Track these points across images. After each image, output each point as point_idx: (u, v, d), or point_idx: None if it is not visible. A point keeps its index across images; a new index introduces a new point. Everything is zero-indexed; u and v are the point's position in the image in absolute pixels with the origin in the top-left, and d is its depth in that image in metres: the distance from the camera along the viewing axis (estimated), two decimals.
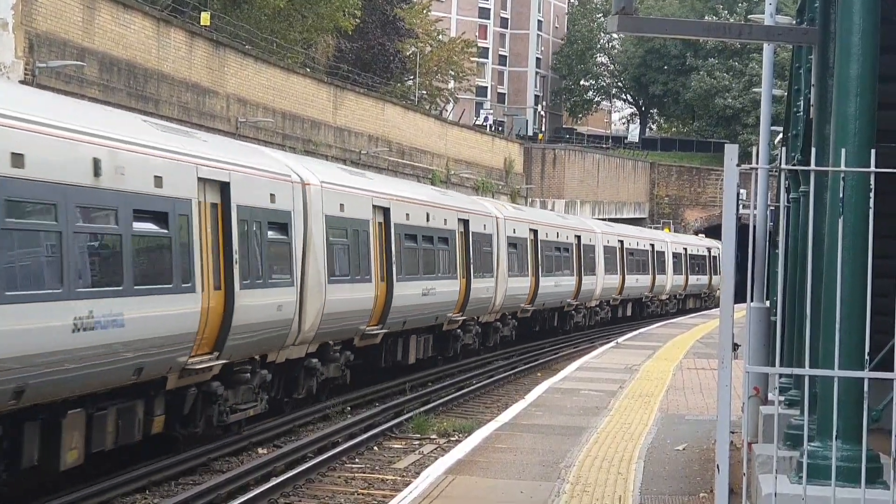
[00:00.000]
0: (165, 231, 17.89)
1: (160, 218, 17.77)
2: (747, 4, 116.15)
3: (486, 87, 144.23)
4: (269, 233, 21.88)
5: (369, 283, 27.55)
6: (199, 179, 19.12)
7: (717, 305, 58.50)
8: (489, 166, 77.41)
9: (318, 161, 33.23)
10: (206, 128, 37.86)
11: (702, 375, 30.35)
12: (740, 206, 9.23)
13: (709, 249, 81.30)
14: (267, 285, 21.59)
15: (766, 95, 19.20)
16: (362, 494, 17.95)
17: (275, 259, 22.14)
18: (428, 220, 32.31)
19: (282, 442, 22.29)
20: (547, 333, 49.36)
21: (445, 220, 34.06)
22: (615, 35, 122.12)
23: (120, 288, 16.41)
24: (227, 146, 22.82)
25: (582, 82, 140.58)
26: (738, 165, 8.46)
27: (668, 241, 73.15)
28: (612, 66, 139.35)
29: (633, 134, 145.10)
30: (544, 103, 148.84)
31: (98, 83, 36.64)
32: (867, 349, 8.61)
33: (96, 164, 15.95)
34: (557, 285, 48.03)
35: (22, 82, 31.38)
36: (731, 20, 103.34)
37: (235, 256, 20.08)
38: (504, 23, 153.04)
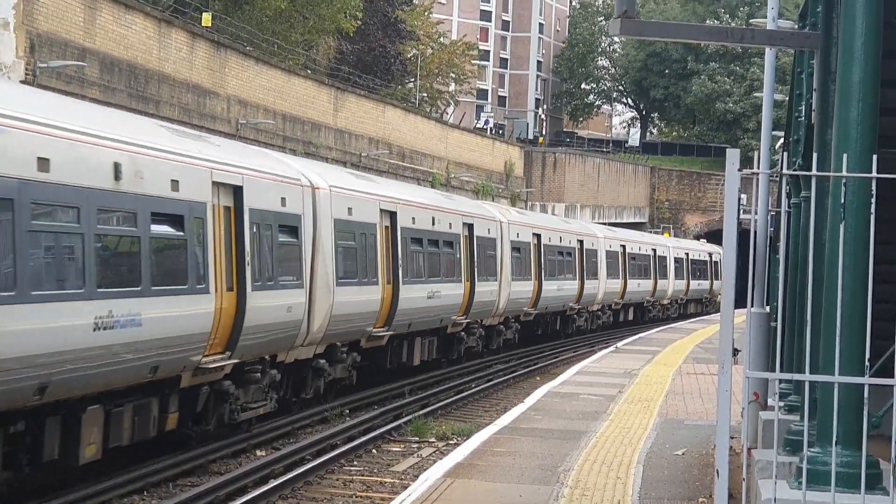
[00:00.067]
0: (181, 233, 18.30)
1: (176, 221, 18.20)
2: (749, 9, 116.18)
3: (487, 90, 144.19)
4: (280, 235, 22.28)
5: (376, 286, 27.91)
6: (214, 183, 19.53)
7: (717, 310, 58.55)
8: (489, 169, 77.43)
9: (326, 165, 33.64)
10: (207, 129, 37.87)
11: (701, 380, 30.33)
12: (741, 211, 9.20)
13: (710, 255, 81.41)
14: (277, 287, 21.98)
15: (768, 100, 19.19)
16: (360, 497, 17.94)
17: (285, 261, 22.51)
18: (433, 223, 32.64)
19: (280, 444, 22.27)
20: (549, 337, 49.48)
21: (450, 224, 34.39)
22: (616, 38, 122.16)
23: (138, 288, 16.85)
24: (240, 150, 23.25)
25: (583, 86, 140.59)
26: (739, 170, 8.43)
27: (670, 246, 73.29)
28: (613, 70, 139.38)
29: (634, 138, 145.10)
30: (545, 107, 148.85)
31: (99, 84, 36.63)
32: (867, 355, 8.59)
33: (117, 168, 16.38)
34: (560, 289, 48.32)
35: (23, 82, 31.37)
36: (733, 24, 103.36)
37: (247, 258, 20.48)
38: (505, 26, 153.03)
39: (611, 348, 42.65)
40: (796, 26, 18.78)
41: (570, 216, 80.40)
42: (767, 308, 18.03)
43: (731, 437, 12.32)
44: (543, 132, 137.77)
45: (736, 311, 8.76)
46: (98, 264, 15.79)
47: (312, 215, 24.17)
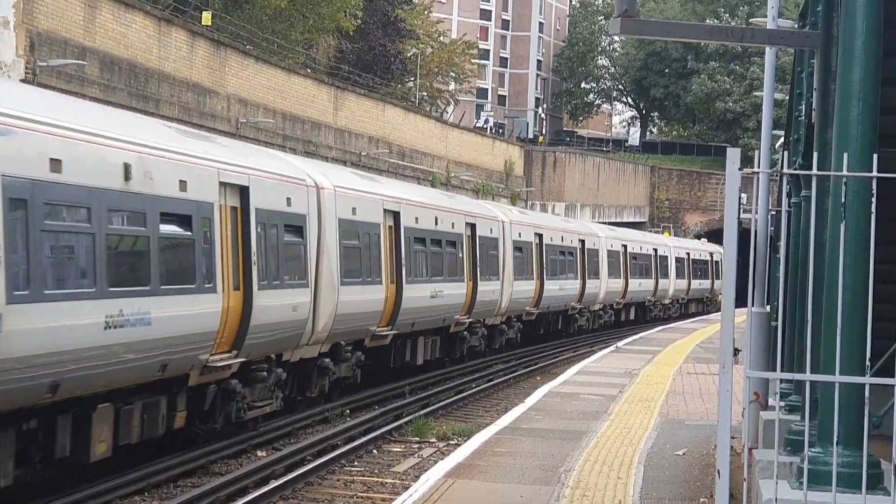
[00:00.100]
0: (189, 233, 18.51)
1: (184, 220, 18.42)
2: (749, 8, 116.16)
3: (487, 89, 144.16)
4: (285, 235, 22.51)
5: (380, 285, 28.15)
6: (221, 183, 19.76)
7: (718, 310, 58.53)
8: (489, 169, 77.41)
9: (331, 165, 33.93)
10: (207, 128, 37.84)
11: (702, 380, 30.32)
12: (741, 211, 9.19)
13: (711, 254, 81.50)
14: (283, 286, 22.20)
15: (768, 99, 19.18)
16: (361, 498, 17.93)
17: (290, 261, 22.75)
18: (436, 223, 32.87)
19: (281, 444, 22.26)
20: (551, 336, 49.57)
21: (453, 223, 34.60)
22: (616, 38, 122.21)
23: (147, 287, 17.08)
24: (246, 151, 23.55)
25: (583, 85, 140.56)
26: (739, 170, 8.42)
27: (671, 245, 73.37)
28: (612, 69, 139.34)
29: (634, 137, 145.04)
30: (545, 106, 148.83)
31: (99, 82, 36.62)
32: (868, 355, 8.57)
33: (126, 168, 16.61)
34: (562, 289, 48.50)
35: (22, 81, 31.35)
36: (733, 24, 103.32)
37: (254, 258, 20.71)
38: (505, 25, 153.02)
39: (611, 348, 42.64)
40: (796, 26, 18.77)
41: (570, 215, 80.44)
42: (768, 308, 18.01)
43: (732, 437, 12.31)
44: (543, 131, 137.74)
45: (736, 310, 8.74)
46: (109, 264, 16.03)
47: (317, 215, 24.39)
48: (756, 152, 21.25)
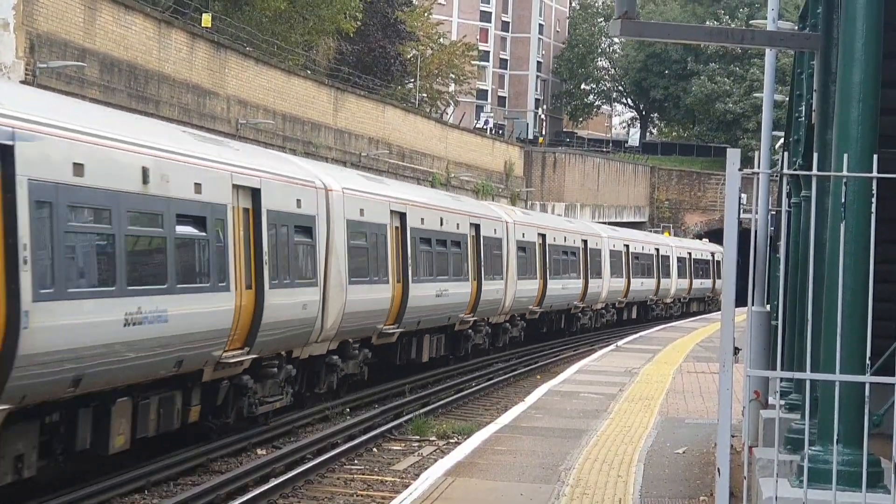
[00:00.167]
0: (204, 234, 19.14)
1: (199, 222, 19.05)
2: (748, 10, 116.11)
3: (487, 91, 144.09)
4: (295, 236, 23.13)
5: (387, 285, 28.74)
6: (234, 186, 20.41)
7: (719, 309, 58.60)
8: (489, 169, 77.43)
9: (339, 167, 34.78)
10: (207, 129, 37.86)
11: (702, 379, 30.36)
12: (741, 211, 9.24)
13: (712, 254, 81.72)
14: (293, 285, 22.83)
15: (768, 100, 19.22)
16: (361, 496, 17.96)
17: (300, 260, 23.39)
18: (442, 224, 33.45)
19: (281, 443, 22.31)
20: (554, 335, 49.89)
21: (458, 224, 35.15)
22: (616, 39, 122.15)
23: (164, 286, 17.75)
24: (257, 154, 24.23)
25: (583, 86, 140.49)
26: (739, 170, 8.47)
27: (673, 245, 73.61)
28: (612, 71, 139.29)
29: (634, 138, 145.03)
30: (545, 107, 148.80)
31: (99, 84, 36.65)
32: (868, 353, 8.62)
33: (145, 172, 17.24)
34: (565, 288, 49.01)
35: (22, 82, 31.39)
36: (733, 25, 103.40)
37: (265, 258, 21.35)
38: (505, 26, 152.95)
39: (611, 347, 42.72)
40: (796, 27, 18.83)
41: (569, 216, 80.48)
42: (768, 307, 18.06)
43: (732, 436, 12.36)
44: (543, 132, 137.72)
45: (737, 309, 8.79)
46: (128, 263, 16.66)
47: (326, 216, 24.93)
48: (756, 153, 21.31)
